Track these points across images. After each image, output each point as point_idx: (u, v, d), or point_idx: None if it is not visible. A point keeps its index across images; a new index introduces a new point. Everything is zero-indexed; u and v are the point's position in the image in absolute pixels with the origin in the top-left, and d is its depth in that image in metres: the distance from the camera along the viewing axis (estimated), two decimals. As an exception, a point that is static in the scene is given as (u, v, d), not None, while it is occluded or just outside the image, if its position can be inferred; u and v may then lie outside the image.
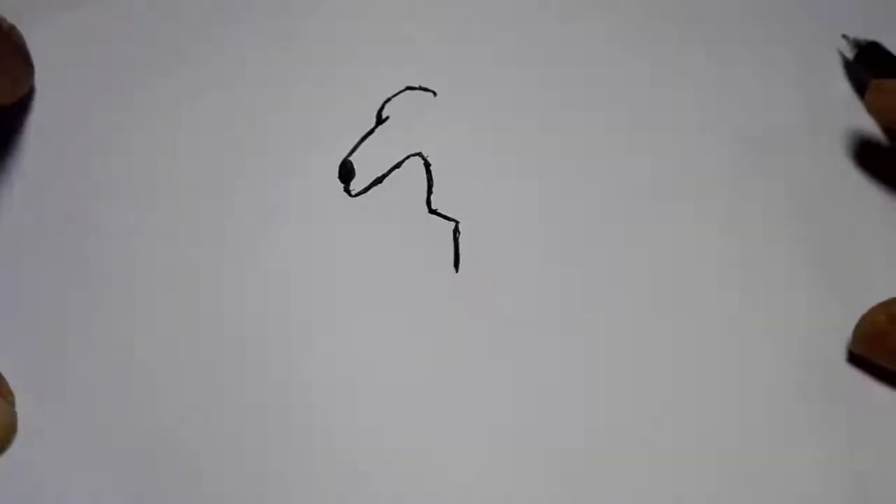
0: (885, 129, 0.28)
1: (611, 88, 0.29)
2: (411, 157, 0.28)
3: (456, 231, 0.27)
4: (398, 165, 0.28)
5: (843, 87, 0.29)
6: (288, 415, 0.24)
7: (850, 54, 0.28)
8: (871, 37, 0.28)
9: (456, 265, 0.26)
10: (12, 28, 0.26)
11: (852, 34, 0.28)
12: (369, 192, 0.27)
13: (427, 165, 0.28)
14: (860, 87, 0.28)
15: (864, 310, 0.23)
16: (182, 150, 0.28)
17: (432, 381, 0.24)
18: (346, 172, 0.28)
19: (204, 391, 0.24)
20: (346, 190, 0.27)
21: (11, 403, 0.23)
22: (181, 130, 0.28)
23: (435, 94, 0.29)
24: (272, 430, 0.23)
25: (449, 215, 0.27)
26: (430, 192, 0.27)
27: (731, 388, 0.24)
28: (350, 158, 0.28)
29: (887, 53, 0.27)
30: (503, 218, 0.27)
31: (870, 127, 0.28)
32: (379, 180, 0.28)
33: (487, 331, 0.25)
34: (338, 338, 0.25)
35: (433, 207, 0.27)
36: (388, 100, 0.29)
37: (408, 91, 0.29)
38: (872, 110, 0.27)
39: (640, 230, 0.27)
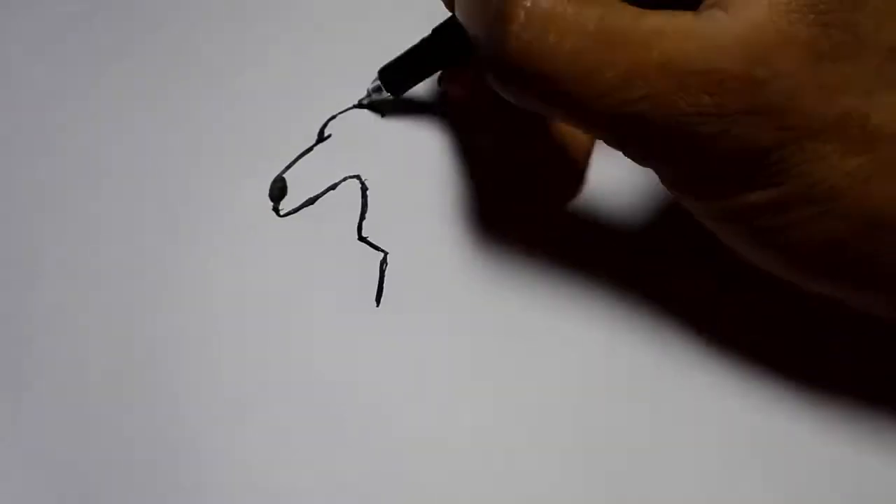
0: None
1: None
2: (348, 180, 0.26)
3: (383, 263, 0.25)
4: (333, 187, 0.26)
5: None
6: (204, 440, 0.23)
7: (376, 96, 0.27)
8: None
9: (378, 299, 0.24)
10: None
11: None
12: (298, 213, 0.26)
13: (364, 189, 0.26)
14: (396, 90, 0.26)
15: None
16: (110, 155, 0.27)
17: (338, 420, 0.23)
18: (278, 190, 0.26)
19: (118, 412, 0.23)
20: (275, 209, 0.26)
21: None
22: (112, 135, 0.27)
23: (383, 114, 0.27)
24: (184, 453, 0.22)
25: (379, 245, 0.25)
26: (362, 217, 0.26)
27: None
28: (283, 175, 0.26)
29: (398, 65, 0.25)
30: (438, 255, 0.25)
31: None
32: (311, 201, 0.26)
33: (401, 372, 0.23)
34: (251, 358, 0.24)
35: (363, 235, 0.25)
36: (333, 117, 0.27)
37: (356, 109, 0.27)
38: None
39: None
